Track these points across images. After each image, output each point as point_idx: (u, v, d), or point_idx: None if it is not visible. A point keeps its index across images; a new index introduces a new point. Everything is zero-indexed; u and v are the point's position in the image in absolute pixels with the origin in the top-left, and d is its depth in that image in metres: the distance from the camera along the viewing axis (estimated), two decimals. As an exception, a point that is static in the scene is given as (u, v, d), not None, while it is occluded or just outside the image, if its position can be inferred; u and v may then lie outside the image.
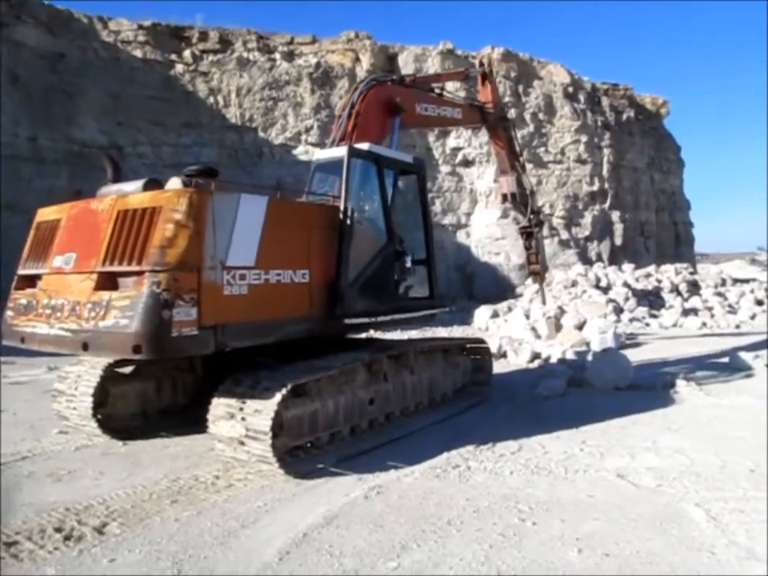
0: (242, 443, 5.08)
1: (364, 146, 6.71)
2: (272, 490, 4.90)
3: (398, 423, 6.77)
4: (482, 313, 17.70)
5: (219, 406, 5.23)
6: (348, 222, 6.08)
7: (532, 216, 10.59)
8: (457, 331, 16.41)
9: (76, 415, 6.39)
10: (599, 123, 27.00)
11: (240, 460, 5.27)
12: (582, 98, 26.91)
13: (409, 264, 6.91)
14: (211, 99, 21.93)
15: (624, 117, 28.62)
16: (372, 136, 7.18)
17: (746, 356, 10.42)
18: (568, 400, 8.18)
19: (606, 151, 26.92)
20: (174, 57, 21.76)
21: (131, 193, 5.16)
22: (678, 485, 4.84)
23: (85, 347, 4.69)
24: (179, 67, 21.73)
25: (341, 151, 6.51)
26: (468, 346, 8.53)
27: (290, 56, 23.33)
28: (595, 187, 26.57)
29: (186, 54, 21.99)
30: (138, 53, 21.08)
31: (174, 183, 5.05)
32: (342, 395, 5.94)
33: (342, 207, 6.11)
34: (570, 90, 26.58)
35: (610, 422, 6.91)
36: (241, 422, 5.06)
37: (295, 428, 5.39)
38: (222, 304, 4.82)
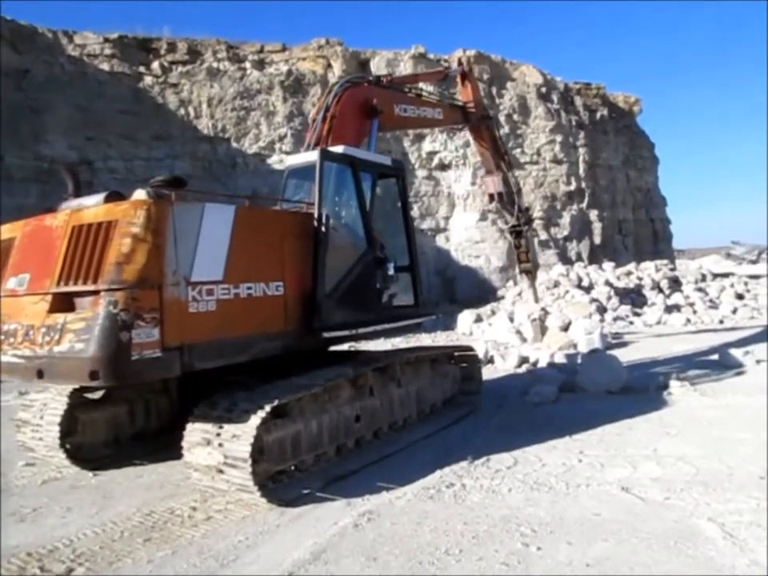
0: (221, 471, 4.71)
1: (338, 148, 6.39)
2: (254, 521, 4.53)
3: (387, 439, 6.46)
4: (466, 317, 17.44)
5: (194, 432, 4.86)
6: (323, 229, 5.73)
7: (520, 214, 10.37)
8: (440, 337, 16.12)
9: (42, 446, 5.97)
10: (573, 123, 26.98)
11: (219, 489, 4.90)
12: (555, 98, 26.87)
13: (391, 271, 6.57)
14: (182, 111, 21.46)
15: (598, 116, 28.65)
16: (348, 139, 6.84)
17: (735, 352, 10.26)
18: (561, 406, 7.90)
19: (581, 150, 26.90)
20: (142, 69, 21.26)
21: (90, 207, 4.78)
22: (687, 497, 4.56)
23: (39, 375, 4.31)
24: (148, 79, 21.23)
25: (313, 155, 6.17)
26: (456, 354, 8.23)
27: (260, 64, 22.97)
28: (572, 187, 26.52)
29: (155, 65, 21.50)
30: (106, 66, 20.54)
31: (139, 195, 4.70)
32: (326, 414, 5.60)
33: (316, 214, 5.77)
34: (544, 90, 26.53)
35: (605, 428, 6.65)
36: (218, 449, 4.69)
37: (277, 452, 5.03)
38: (187, 322, 4.47)
